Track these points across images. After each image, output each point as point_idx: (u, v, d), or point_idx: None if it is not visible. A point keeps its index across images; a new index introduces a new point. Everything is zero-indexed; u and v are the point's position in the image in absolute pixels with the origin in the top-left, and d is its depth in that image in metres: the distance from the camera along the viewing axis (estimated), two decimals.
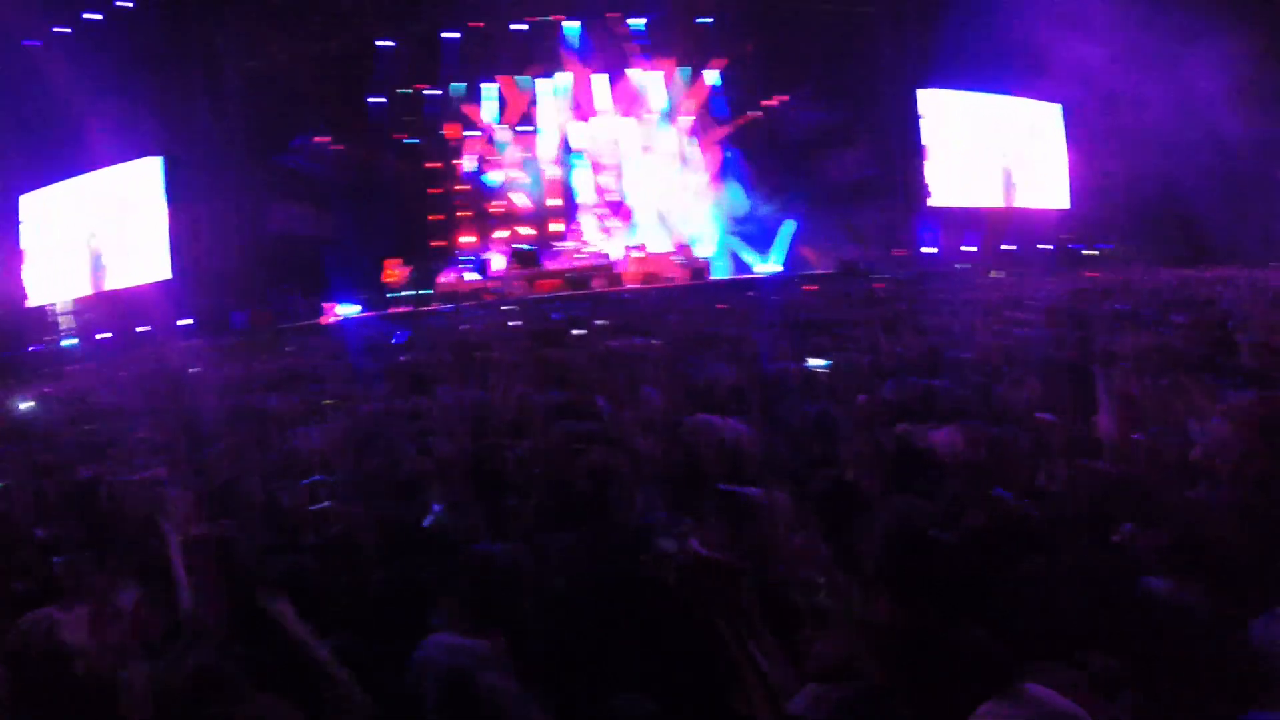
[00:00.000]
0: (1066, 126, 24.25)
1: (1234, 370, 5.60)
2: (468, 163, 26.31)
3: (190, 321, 20.57)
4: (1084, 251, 20.60)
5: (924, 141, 23.70)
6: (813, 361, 7.15)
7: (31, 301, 21.92)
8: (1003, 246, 22.14)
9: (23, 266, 21.86)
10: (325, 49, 22.98)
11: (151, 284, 21.43)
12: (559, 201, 26.31)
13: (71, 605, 3.43)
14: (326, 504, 4.75)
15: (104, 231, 22.04)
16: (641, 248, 24.12)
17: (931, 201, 23.66)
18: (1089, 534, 3.45)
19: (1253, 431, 3.87)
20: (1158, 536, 3.21)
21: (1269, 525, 3.20)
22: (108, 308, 21.43)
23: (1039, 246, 22.10)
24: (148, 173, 21.72)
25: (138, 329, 20.32)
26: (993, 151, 24.47)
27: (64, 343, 20.67)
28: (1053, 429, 4.52)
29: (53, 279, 22.16)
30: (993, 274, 18.59)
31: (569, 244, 24.49)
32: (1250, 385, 4.89)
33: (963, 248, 22.53)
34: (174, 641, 3.27)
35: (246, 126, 22.03)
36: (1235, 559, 2.97)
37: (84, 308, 21.75)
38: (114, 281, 21.98)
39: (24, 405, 12.06)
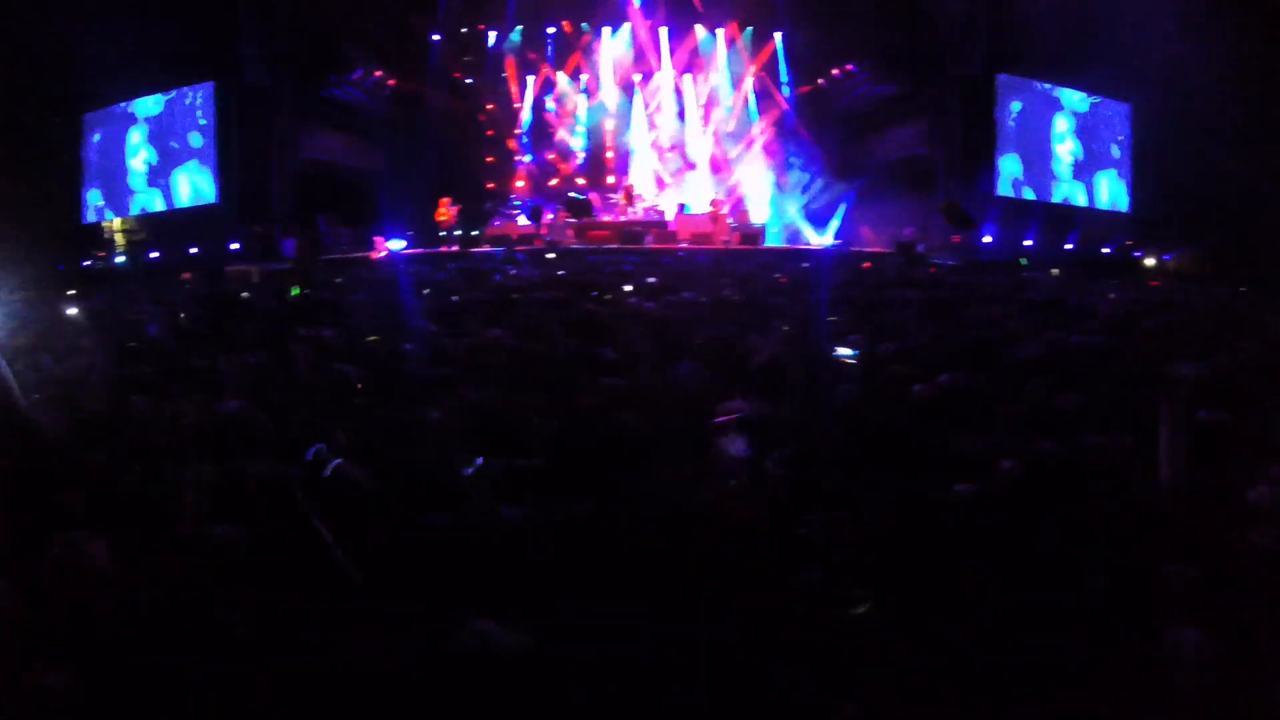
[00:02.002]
0: (1134, 127, 23.57)
1: None
2: (525, 107, 26.17)
3: (238, 246, 20.69)
4: (1147, 260, 20.05)
5: (994, 127, 23.12)
6: (842, 351, 7.03)
7: (88, 218, 22.18)
8: (1065, 246, 21.64)
9: (82, 184, 22.09)
10: None
11: (199, 206, 21.57)
12: (613, 154, 26.12)
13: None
14: None
15: (157, 154, 22.15)
16: (707, 207, 23.87)
17: (995, 191, 23.15)
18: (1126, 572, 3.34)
19: None
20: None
21: None
22: (158, 228, 21.58)
23: (1102, 250, 21.57)
24: (200, 97, 21.75)
25: (189, 251, 20.46)
26: (1059, 145, 23.85)
27: (116, 260, 20.86)
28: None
29: (108, 197, 22.35)
30: (1053, 272, 18.16)
31: (622, 197, 24.33)
32: None
33: (1023, 242, 22.06)
34: None
35: (297, 54, 21.91)
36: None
37: (137, 228, 21.93)
38: (164, 203, 22.12)
39: None
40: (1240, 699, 2.80)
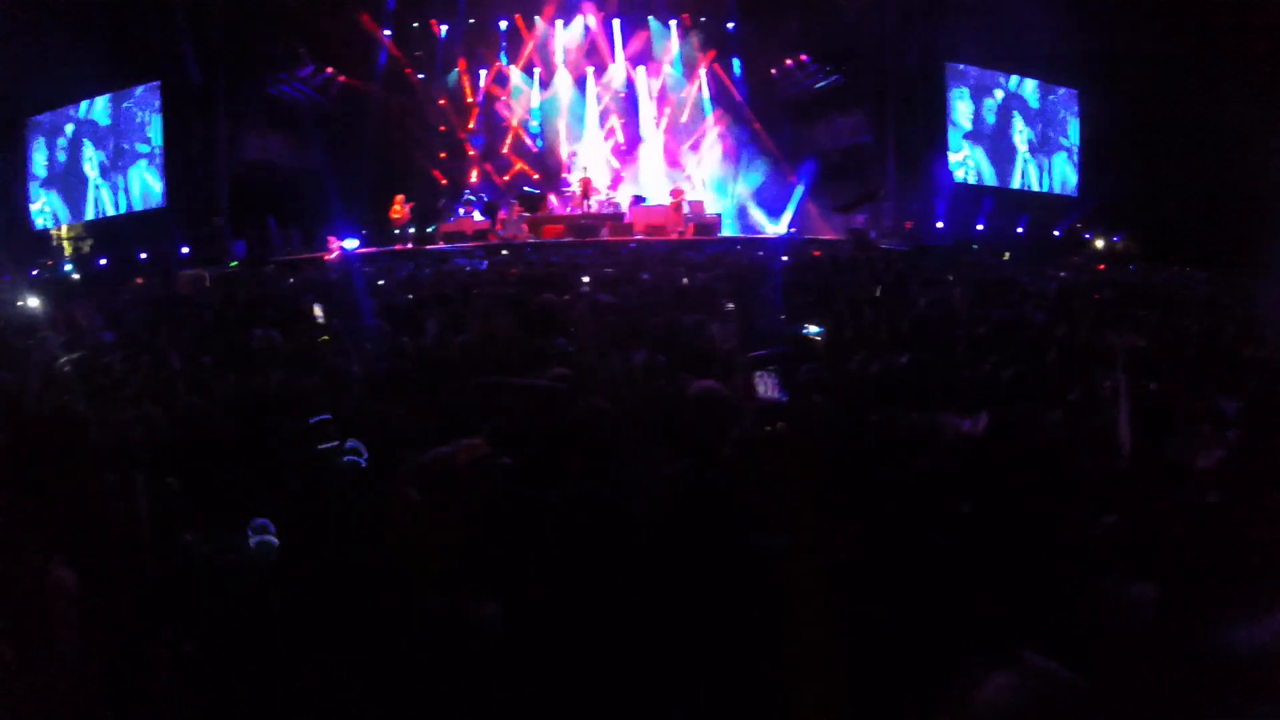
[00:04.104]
0: (1082, 112, 23.94)
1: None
2: (478, 102, 26.04)
3: (187, 250, 20.41)
4: (1096, 242, 20.41)
5: (943, 115, 23.37)
6: (809, 329, 7.09)
7: (35, 226, 21.81)
8: (1017, 230, 21.94)
9: (29, 191, 21.72)
10: None
11: (148, 210, 21.27)
12: (567, 147, 26.07)
13: None
14: None
15: (104, 158, 21.81)
16: (667, 197, 23.92)
17: (944, 177, 23.39)
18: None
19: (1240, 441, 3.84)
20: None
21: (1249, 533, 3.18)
22: (105, 235, 21.25)
23: (1052, 232, 21.90)
24: (145, 98, 21.43)
25: (139, 256, 20.16)
26: (1012, 131, 24.15)
27: (65, 268, 20.51)
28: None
29: (55, 204, 21.97)
30: (1005, 256, 18.43)
31: (576, 190, 24.32)
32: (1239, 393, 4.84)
33: (976, 227, 22.33)
34: None
35: (240, 52, 21.62)
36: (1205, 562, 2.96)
37: (84, 234, 21.57)
38: (115, 207, 21.79)
39: None
40: (1185, 647, 2.86)
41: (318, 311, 8.78)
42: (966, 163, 23.56)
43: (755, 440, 4.05)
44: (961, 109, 23.40)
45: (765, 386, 5.35)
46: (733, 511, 3.51)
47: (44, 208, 21.90)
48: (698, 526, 3.41)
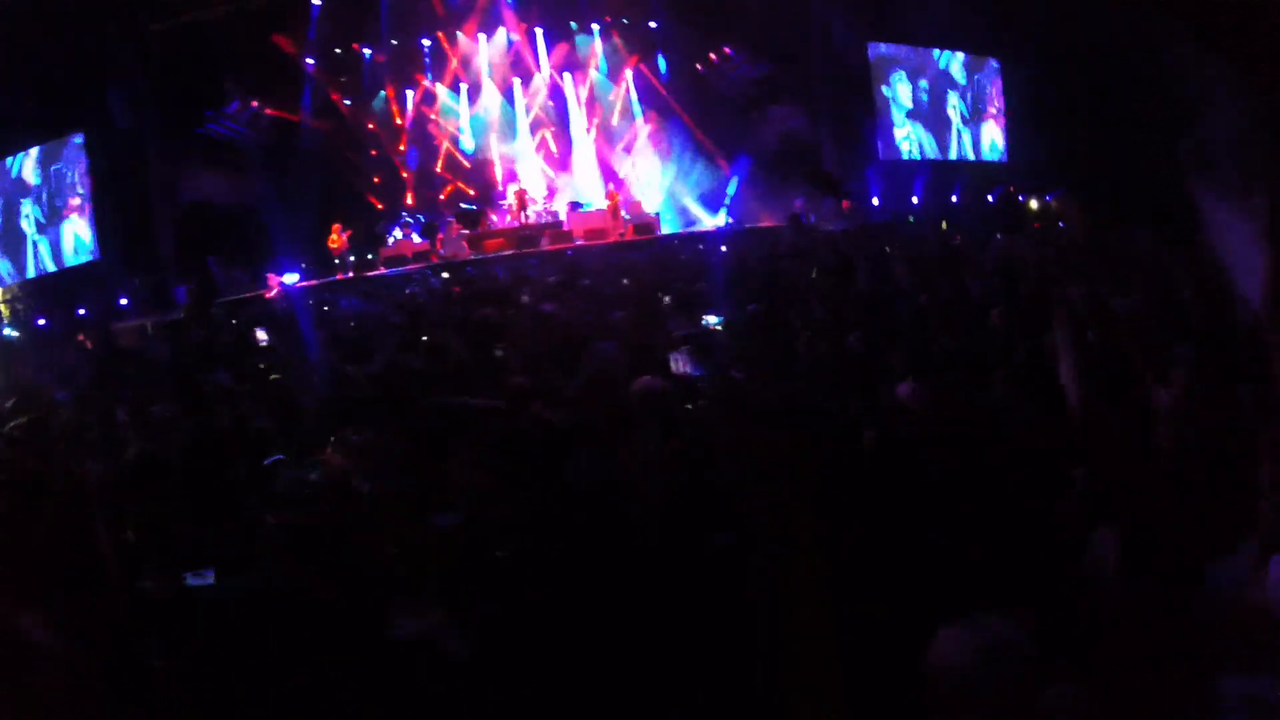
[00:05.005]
0: (1004, 79, 24.36)
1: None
2: (407, 123, 25.89)
3: (126, 301, 20.04)
4: (1031, 203, 20.76)
5: (871, 94, 23.66)
6: (708, 319, 7.22)
7: None
8: (952, 199, 22.24)
9: None
10: (245, 7, 22.05)
11: (83, 265, 20.88)
12: (500, 160, 25.99)
13: None
14: None
15: (32, 214, 21.38)
16: (604, 201, 23.94)
17: (875, 154, 23.69)
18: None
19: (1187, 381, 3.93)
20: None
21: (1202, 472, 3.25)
22: (41, 293, 20.82)
23: (986, 198, 22.23)
24: (70, 151, 21.04)
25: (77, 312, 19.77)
26: (942, 104, 24.49)
27: (4, 331, 20.05)
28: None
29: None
30: (943, 225, 18.67)
31: (512, 202, 24.27)
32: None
33: (910, 199, 22.61)
34: None
35: (166, 94, 21.32)
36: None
37: (19, 295, 21.10)
38: (46, 265, 21.35)
39: None
40: (1151, 591, 2.92)
41: (261, 336, 8.72)
42: (909, 138, 23.92)
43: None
44: (900, 90, 23.73)
45: (678, 363, 5.46)
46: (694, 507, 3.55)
47: None
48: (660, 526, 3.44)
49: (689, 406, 4.50)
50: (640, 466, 3.83)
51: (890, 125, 23.97)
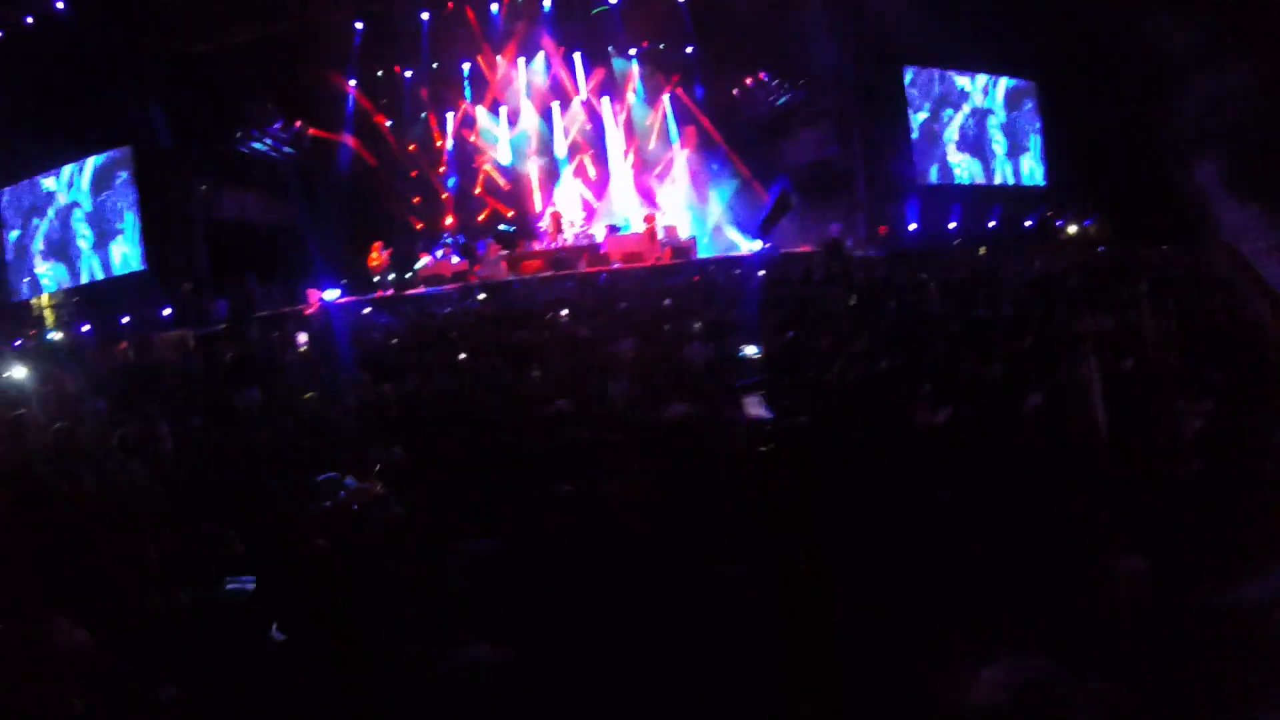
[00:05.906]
0: (1041, 102, 24.23)
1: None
2: (447, 144, 26.18)
3: (169, 311, 20.41)
4: (1069, 228, 20.63)
5: (906, 119, 23.57)
6: (746, 350, 7.26)
7: (15, 296, 21.82)
8: (989, 224, 22.11)
9: (6, 261, 21.78)
10: (287, 28, 22.44)
11: (130, 274, 21.33)
12: (538, 183, 26.19)
13: None
14: None
15: (81, 224, 21.91)
16: (641, 224, 23.99)
17: (915, 180, 23.58)
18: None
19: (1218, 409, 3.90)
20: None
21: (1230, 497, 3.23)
22: (88, 301, 21.27)
23: (1024, 223, 22.10)
24: (119, 164, 21.54)
25: (121, 320, 20.16)
26: (973, 128, 24.38)
27: (49, 336, 20.46)
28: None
29: (35, 274, 22.03)
30: (981, 251, 18.58)
31: (549, 226, 24.44)
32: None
33: (948, 225, 22.49)
34: None
35: (207, 113, 21.73)
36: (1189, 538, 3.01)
37: (64, 301, 21.58)
38: (91, 274, 21.85)
39: None
40: (1177, 619, 2.90)
41: (302, 339, 8.82)
42: (961, 165, 23.85)
43: (746, 458, 4.11)
44: (940, 114, 23.69)
45: (753, 407, 5.48)
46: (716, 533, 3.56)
47: (47, 273, 21.99)
48: (681, 552, 3.45)
49: (762, 450, 4.49)
50: (661, 492, 3.85)
51: (929, 149, 23.87)
